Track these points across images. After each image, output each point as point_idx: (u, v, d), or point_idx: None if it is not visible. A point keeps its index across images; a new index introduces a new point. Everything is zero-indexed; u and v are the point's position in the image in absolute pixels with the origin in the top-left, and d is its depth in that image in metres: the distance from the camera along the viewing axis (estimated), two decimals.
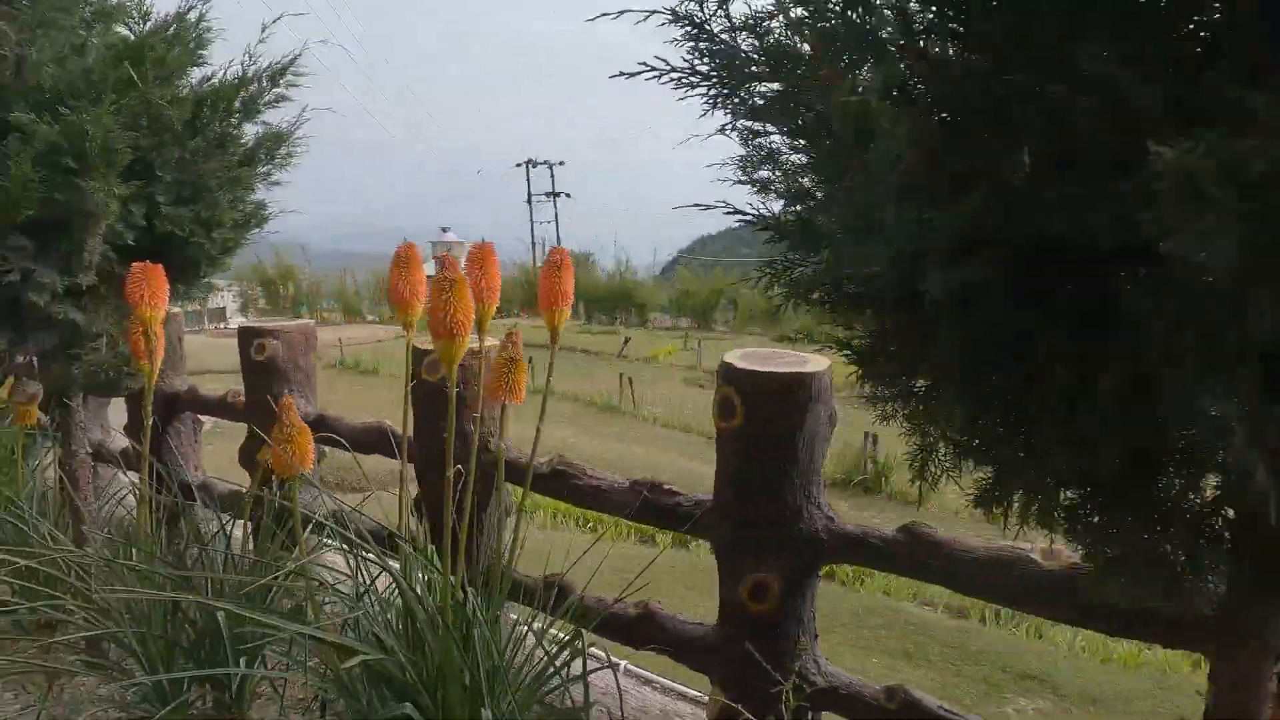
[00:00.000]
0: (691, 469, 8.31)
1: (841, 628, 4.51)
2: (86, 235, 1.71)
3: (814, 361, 1.36)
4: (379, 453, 2.13)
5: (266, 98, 2.18)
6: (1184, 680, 4.42)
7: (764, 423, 1.31)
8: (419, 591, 1.43)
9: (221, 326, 16.59)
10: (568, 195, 31.17)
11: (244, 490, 2.70)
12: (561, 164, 30.62)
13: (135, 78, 1.68)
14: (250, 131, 2.19)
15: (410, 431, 2.03)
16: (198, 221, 2.02)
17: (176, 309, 2.70)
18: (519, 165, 30.85)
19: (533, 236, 30.23)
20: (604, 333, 20.37)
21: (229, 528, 2.22)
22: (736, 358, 1.38)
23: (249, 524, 2.04)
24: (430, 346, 1.80)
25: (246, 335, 2.29)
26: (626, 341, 16.51)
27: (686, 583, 5.13)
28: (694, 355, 16.50)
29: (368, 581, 1.60)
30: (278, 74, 2.17)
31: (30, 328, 1.83)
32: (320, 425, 2.23)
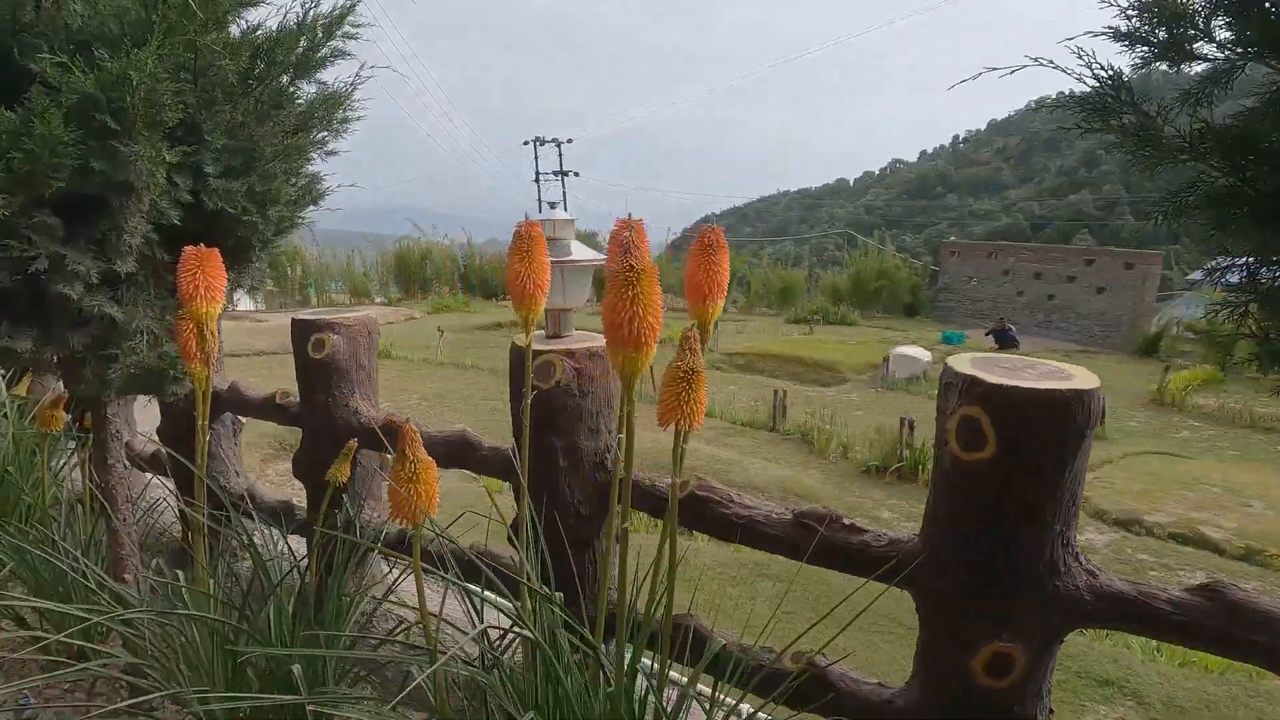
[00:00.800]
0: (718, 455, 8.03)
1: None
2: (128, 213, 1.40)
3: (1078, 374, 1.06)
4: (459, 466, 1.83)
5: (323, 51, 1.86)
6: (1276, 688, 4.17)
7: (1028, 455, 1.00)
8: (563, 656, 1.14)
9: (231, 309, 16.27)
10: (575, 174, 30.56)
11: (295, 504, 2.41)
12: (570, 141, 29.98)
13: (183, 16, 1.36)
14: (304, 92, 1.87)
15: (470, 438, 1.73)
16: (250, 197, 1.70)
17: None
18: (526, 143, 30.22)
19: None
20: None
21: (278, 544, 1.94)
22: (977, 367, 1.07)
23: (314, 550, 1.76)
24: (541, 348, 1.49)
25: (303, 329, 1.98)
26: None
27: (731, 578, 4.86)
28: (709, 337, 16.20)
29: (487, 632, 1.31)
30: (334, 23, 1.84)
31: (59, 325, 1.53)
32: (390, 432, 1.93)
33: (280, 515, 2.32)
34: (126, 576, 1.86)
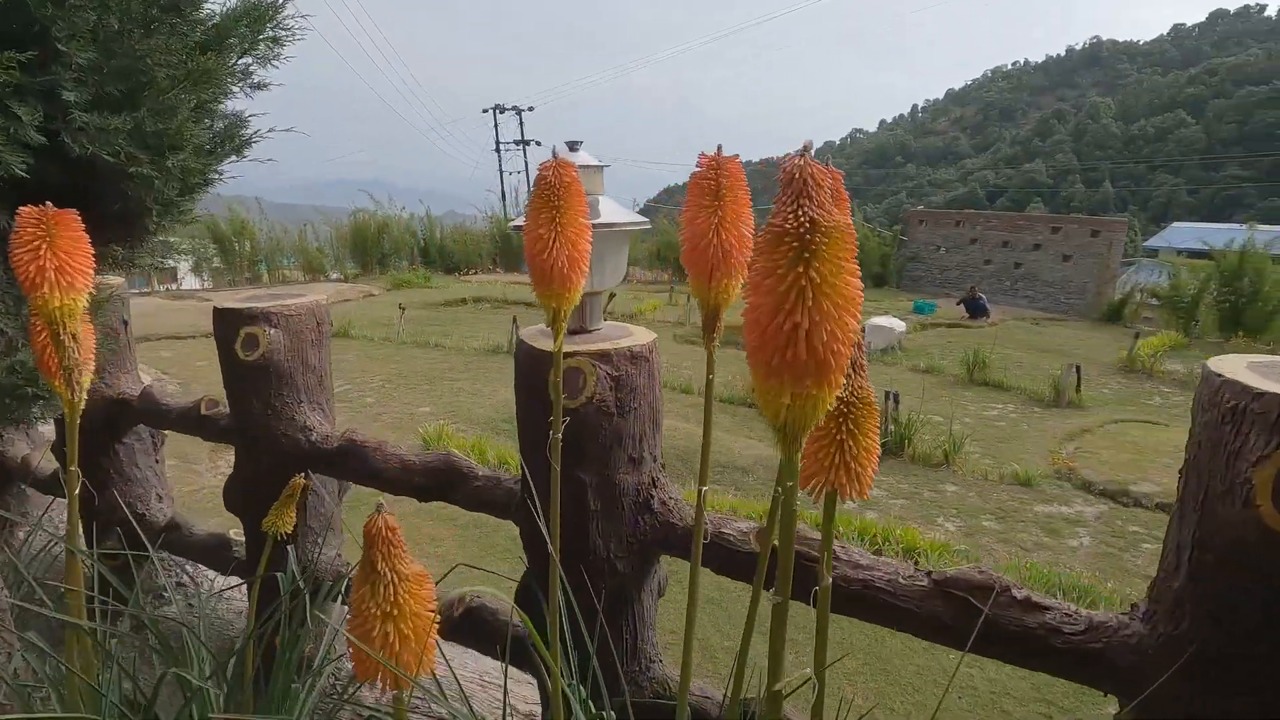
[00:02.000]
0: (699, 434, 7.70)
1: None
2: None
3: None
4: (446, 499, 1.39)
5: None
6: None
7: None
8: None
9: (173, 289, 15.22)
10: (538, 143, 29.48)
11: (233, 537, 1.93)
12: (531, 109, 28.84)
13: None
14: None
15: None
16: (138, 139, 1.21)
17: (116, 277, 1.87)
18: (486, 111, 28.98)
19: (503, 186, 28.62)
20: None
21: (213, 584, 1.48)
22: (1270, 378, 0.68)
23: (252, 603, 1.30)
24: (562, 347, 1.06)
25: (229, 321, 1.49)
26: (612, 297, 15.74)
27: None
28: (679, 310, 15.87)
29: None
30: None
31: None
32: (352, 456, 1.48)
33: (213, 554, 1.85)
34: None
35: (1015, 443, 7.40)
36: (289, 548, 1.50)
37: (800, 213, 0.46)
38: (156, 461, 2.10)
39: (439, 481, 1.36)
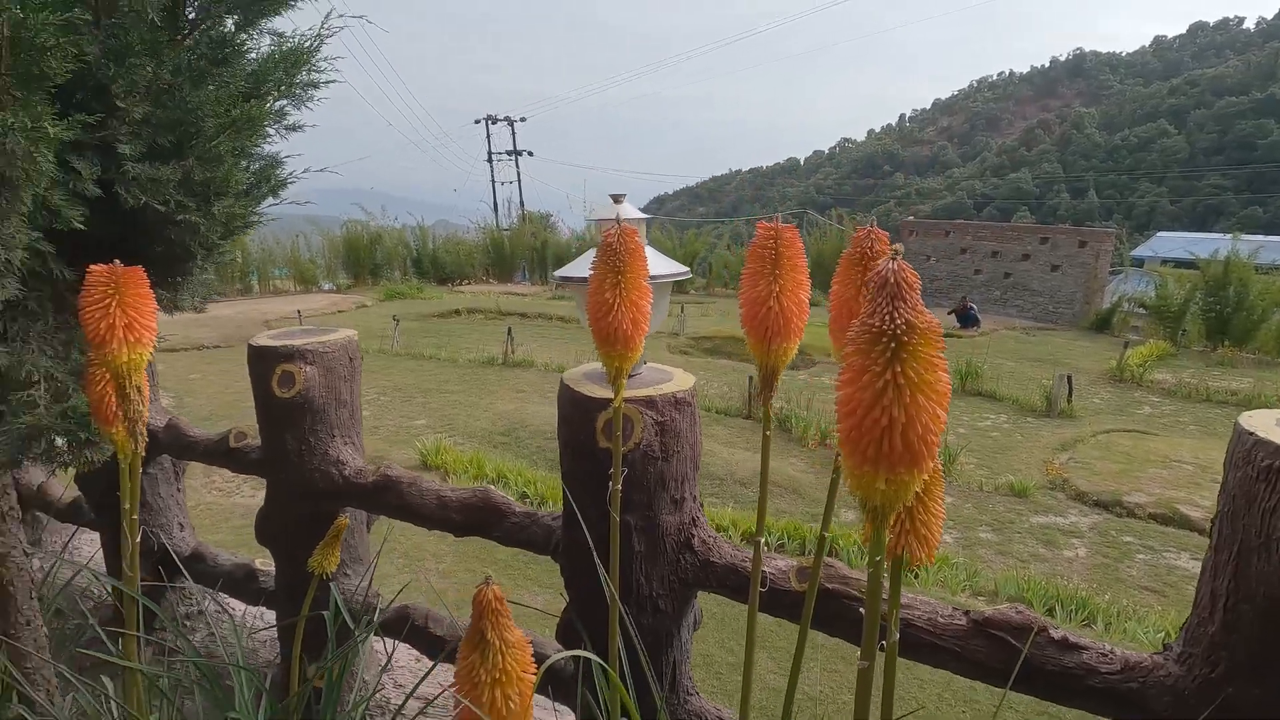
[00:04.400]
0: (706, 448, 7.74)
1: None
2: (5, 216, 0.93)
3: None
4: (481, 534, 1.42)
5: None
6: None
7: None
8: None
9: None
10: (530, 153, 29.58)
11: (258, 568, 1.95)
12: (523, 120, 28.95)
13: None
14: (255, 44, 1.39)
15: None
16: (187, 187, 1.24)
17: None
18: (478, 122, 29.05)
19: (494, 197, 28.67)
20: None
21: (243, 619, 1.49)
22: None
23: (296, 644, 1.33)
24: (610, 394, 1.09)
25: (265, 359, 1.51)
26: None
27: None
28: (673, 321, 15.93)
29: None
30: None
31: None
32: (388, 492, 1.50)
33: (241, 582, 1.86)
34: (38, 695, 1.39)
35: (1009, 453, 7.48)
36: (323, 580, 1.52)
37: (896, 315, 0.50)
38: (178, 490, 2.12)
39: (476, 519, 1.39)
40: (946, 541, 4.96)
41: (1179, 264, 17.65)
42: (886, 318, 0.50)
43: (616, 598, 0.91)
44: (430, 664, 1.82)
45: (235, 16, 1.25)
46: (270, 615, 2.04)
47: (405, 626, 1.55)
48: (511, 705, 0.61)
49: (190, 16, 1.17)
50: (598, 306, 0.83)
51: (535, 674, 0.64)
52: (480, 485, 1.43)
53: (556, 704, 1.71)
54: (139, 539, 1.10)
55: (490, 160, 28.94)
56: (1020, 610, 0.98)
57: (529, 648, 0.64)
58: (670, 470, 1.13)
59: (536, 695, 1.38)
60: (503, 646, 0.62)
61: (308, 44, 1.49)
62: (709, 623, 3.22)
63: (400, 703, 1.50)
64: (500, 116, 28.63)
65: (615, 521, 0.90)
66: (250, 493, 4.98)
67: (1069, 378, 9.17)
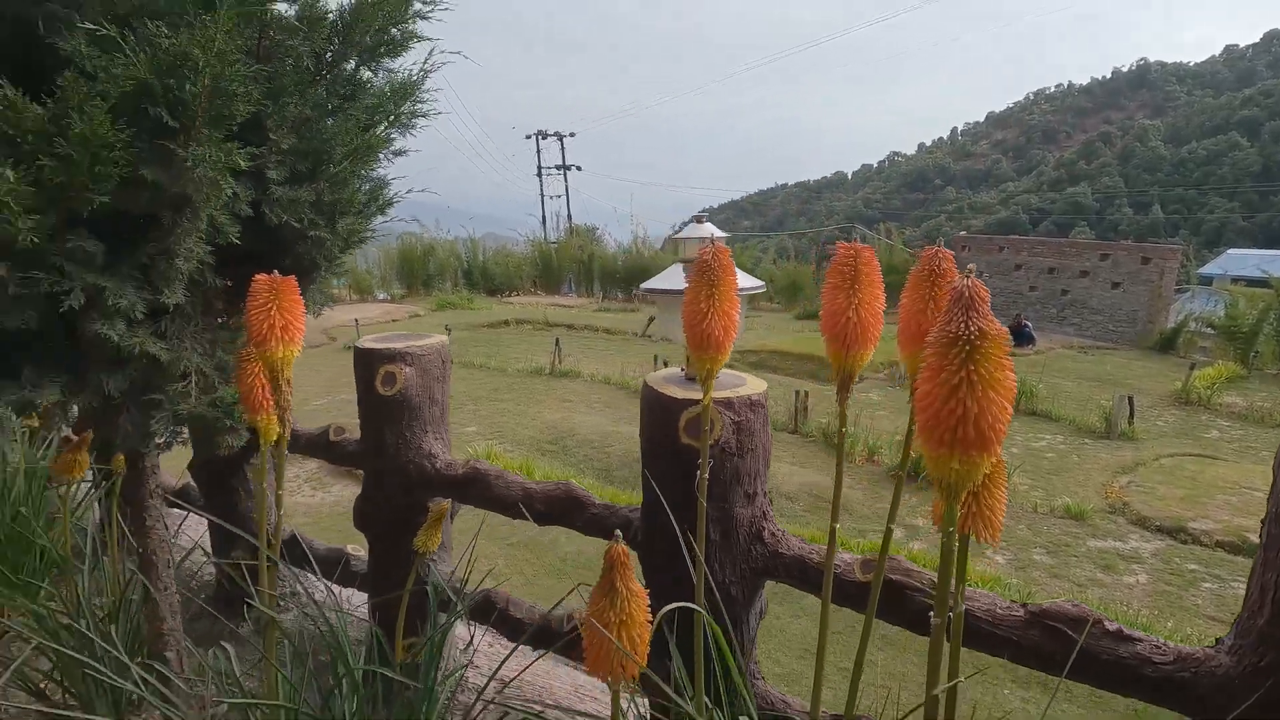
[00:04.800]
0: None
1: None
2: (182, 232, 1.11)
3: None
4: (564, 524, 1.55)
5: (394, 32, 1.55)
6: None
7: None
8: None
9: None
10: (578, 168, 30.17)
11: (350, 553, 2.12)
12: (572, 135, 29.59)
13: None
14: (374, 80, 1.57)
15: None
16: (318, 207, 1.41)
17: None
18: (529, 137, 29.81)
19: (543, 211, 29.31)
20: (622, 311, 19.72)
21: (340, 599, 1.64)
22: None
23: (399, 624, 1.47)
24: (690, 395, 1.21)
25: (369, 360, 1.69)
26: (652, 320, 15.91)
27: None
28: None
29: None
30: None
31: (93, 368, 1.23)
32: (477, 483, 1.65)
33: (333, 565, 2.03)
34: (169, 654, 1.57)
35: (1065, 475, 7.29)
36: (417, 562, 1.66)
37: (971, 323, 0.60)
38: (274, 479, 2.31)
39: (559, 509, 1.52)
40: (999, 563, 4.90)
41: (1251, 282, 16.87)
42: (962, 325, 0.60)
43: (700, 580, 1.02)
44: (502, 647, 1.95)
45: (356, 59, 1.42)
46: (358, 599, 2.21)
47: (492, 612, 1.68)
48: (636, 644, 0.73)
49: (328, 59, 1.34)
50: (693, 314, 0.95)
51: (653, 621, 0.76)
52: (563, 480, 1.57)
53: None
54: (282, 511, 1.26)
55: (540, 174, 29.61)
56: (1076, 604, 1.05)
57: (647, 598, 0.76)
58: (745, 466, 1.24)
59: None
60: (629, 594, 0.74)
61: (414, 78, 1.67)
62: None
63: (482, 685, 1.64)
64: (550, 132, 29.32)
65: (702, 506, 1.01)
66: (310, 493, 5.26)
67: (1130, 398, 8.89)
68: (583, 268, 22.37)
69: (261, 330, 1.10)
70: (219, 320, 1.45)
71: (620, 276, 22.04)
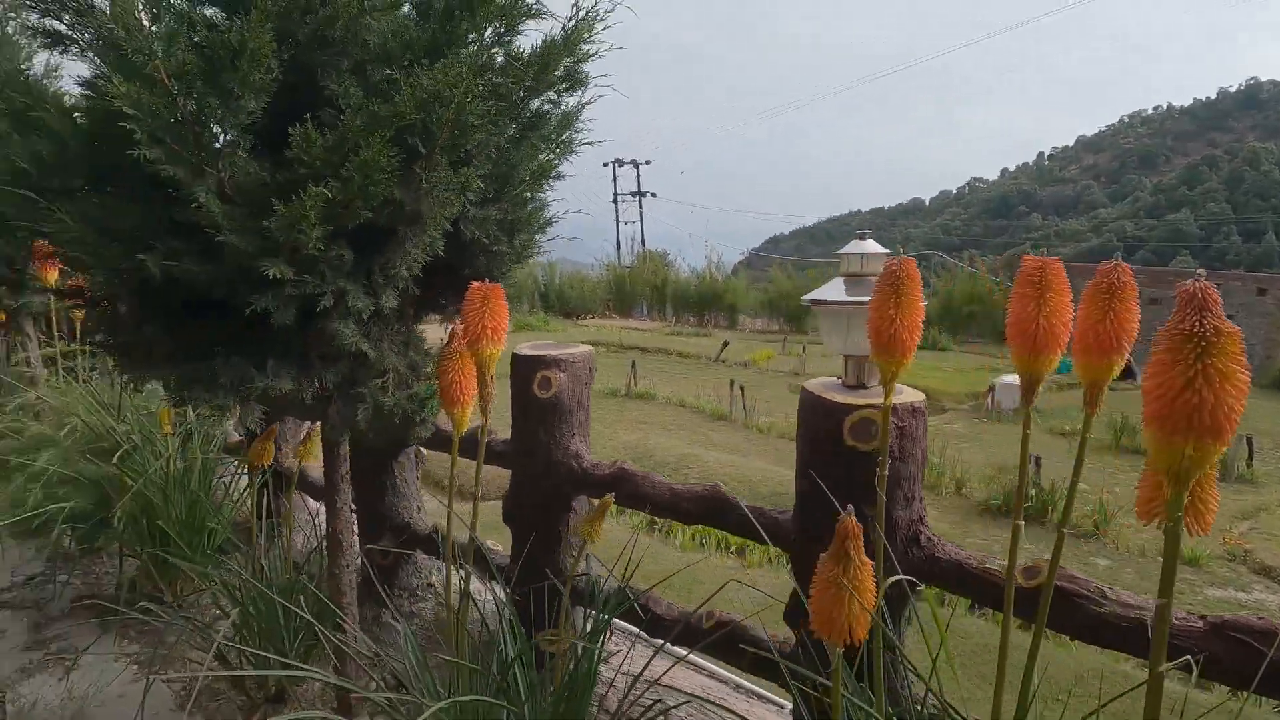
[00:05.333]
0: None
1: None
2: (410, 244, 1.28)
3: None
4: (715, 524, 1.63)
5: (566, 62, 1.71)
6: None
7: None
8: None
9: None
10: (653, 194, 30.77)
11: (491, 546, 2.27)
12: (648, 163, 30.27)
13: (472, 25, 1.23)
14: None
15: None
16: (501, 224, 1.58)
17: None
18: (606, 165, 30.67)
19: (618, 235, 29.98)
20: (694, 335, 19.81)
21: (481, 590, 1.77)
22: None
23: (563, 615, 1.59)
24: (850, 400, 1.28)
25: (528, 365, 1.84)
26: (725, 345, 15.91)
27: None
28: (793, 360, 15.81)
29: None
30: (580, 30, 1.70)
31: (318, 362, 1.42)
32: (624, 483, 1.76)
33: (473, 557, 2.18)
34: (347, 626, 1.74)
35: None
36: (543, 560, 1.78)
37: (1205, 321, 0.66)
38: (417, 478, 2.50)
39: (708, 509, 1.61)
40: None
41: None
42: (1196, 323, 0.66)
43: (880, 553, 1.09)
44: (634, 641, 2.04)
45: (557, 88, 1.58)
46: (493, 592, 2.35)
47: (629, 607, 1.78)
48: (861, 612, 0.81)
49: (520, 95, 1.51)
50: (880, 319, 1.03)
51: (876, 592, 0.83)
52: (710, 483, 1.66)
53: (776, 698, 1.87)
54: (479, 499, 1.41)
55: (615, 201, 30.32)
56: (1261, 617, 1.06)
57: (870, 569, 0.84)
58: (904, 470, 1.30)
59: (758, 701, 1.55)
60: (860, 562, 0.82)
61: (573, 110, 1.83)
62: None
63: (631, 676, 1.73)
64: (626, 160, 30.05)
65: (881, 500, 1.08)
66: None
67: (1249, 439, 8.28)
68: (656, 292, 22.64)
69: (475, 331, 1.25)
70: (410, 326, 1.62)
71: (693, 301, 22.20)
